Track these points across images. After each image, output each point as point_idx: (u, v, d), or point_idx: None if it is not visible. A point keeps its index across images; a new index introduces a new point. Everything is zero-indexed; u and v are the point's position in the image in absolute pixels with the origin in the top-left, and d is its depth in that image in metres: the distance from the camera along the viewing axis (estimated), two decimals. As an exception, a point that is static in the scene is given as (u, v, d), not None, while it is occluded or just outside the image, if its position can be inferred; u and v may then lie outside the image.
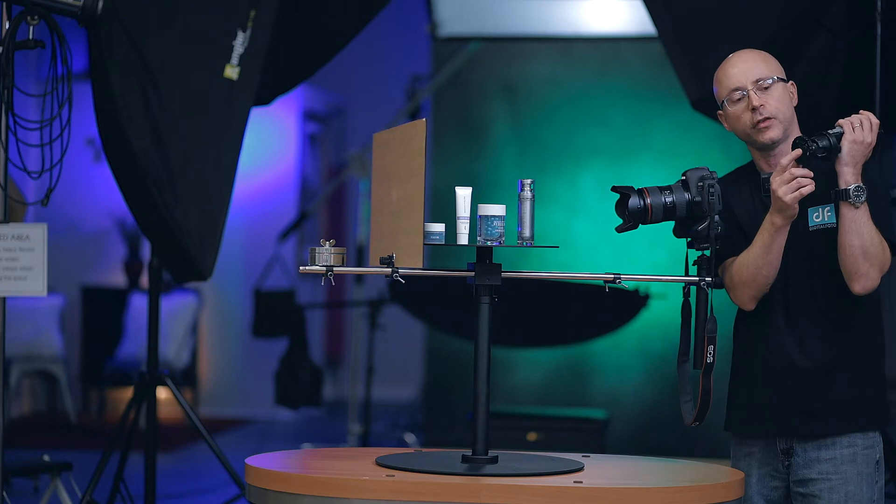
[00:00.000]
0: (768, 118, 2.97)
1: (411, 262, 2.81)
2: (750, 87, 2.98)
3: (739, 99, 2.99)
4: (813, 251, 2.97)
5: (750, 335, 3.08)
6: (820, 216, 2.96)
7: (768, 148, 3.01)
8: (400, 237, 2.88)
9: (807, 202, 2.96)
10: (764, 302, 3.02)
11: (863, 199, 2.85)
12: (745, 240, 3.03)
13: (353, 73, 10.47)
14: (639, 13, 6.80)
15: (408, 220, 2.85)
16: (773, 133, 2.98)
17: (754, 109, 2.97)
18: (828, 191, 2.93)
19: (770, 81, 2.97)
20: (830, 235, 2.93)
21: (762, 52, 3.05)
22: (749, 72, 2.99)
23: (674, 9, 4.31)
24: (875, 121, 2.88)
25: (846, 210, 2.86)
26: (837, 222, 2.90)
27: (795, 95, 3.03)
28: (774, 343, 3.02)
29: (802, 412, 2.98)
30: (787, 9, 4.22)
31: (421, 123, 2.80)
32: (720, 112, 3.07)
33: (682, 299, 3.00)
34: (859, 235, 2.87)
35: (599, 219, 6.94)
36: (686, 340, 2.98)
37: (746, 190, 3.08)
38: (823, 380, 2.97)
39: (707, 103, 4.31)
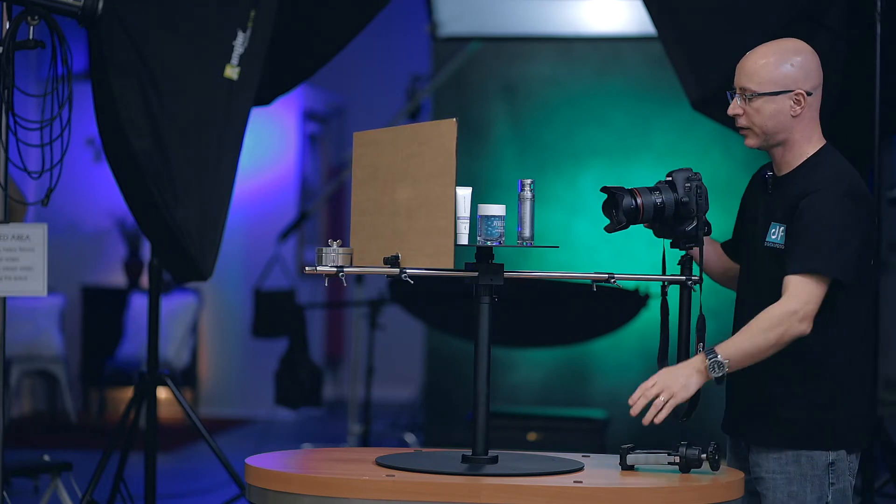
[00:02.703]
0: (742, 128, 2.99)
1: (440, 263, 2.80)
2: (737, 93, 2.98)
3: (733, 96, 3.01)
4: (763, 267, 2.97)
5: None
6: (776, 234, 2.94)
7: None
8: (412, 237, 2.87)
9: (772, 217, 2.96)
10: (736, 308, 3.09)
11: (723, 369, 2.82)
12: (742, 238, 3.09)
13: (353, 73, 10.48)
14: (639, 13, 6.80)
15: (427, 220, 2.83)
16: (749, 142, 3.00)
17: (735, 115, 2.99)
18: (790, 209, 2.92)
19: (751, 94, 2.94)
20: (779, 255, 2.91)
21: (771, 58, 2.95)
22: (741, 76, 2.97)
23: (674, 9, 4.32)
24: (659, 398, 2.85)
25: None
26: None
27: (802, 106, 2.94)
28: None
29: (750, 418, 3.02)
30: (787, 9, 4.22)
31: (450, 123, 2.80)
32: None
33: (674, 298, 3.02)
34: (754, 361, 2.87)
35: (599, 219, 6.86)
36: (665, 338, 3.01)
37: (754, 189, 3.11)
38: (766, 393, 2.98)
39: (707, 103, 4.33)
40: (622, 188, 2.95)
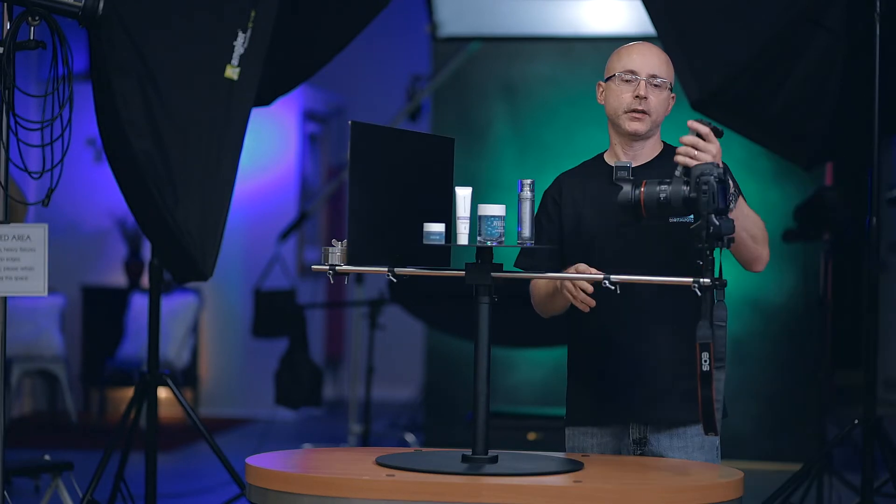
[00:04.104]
0: (644, 112, 3.10)
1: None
2: (644, 77, 3.11)
3: (629, 81, 3.13)
4: (668, 242, 3.01)
5: (591, 327, 3.17)
6: None
7: (629, 137, 3.14)
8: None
9: None
10: (607, 294, 2.91)
11: (734, 200, 2.83)
12: (589, 233, 3.11)
13: (353, 73, 10.47)
14: (639, 13, 6.80)
15: None
16: (639, 126, 3.12)
17: (638, 97, 3.09)
18: None
19: (661, 82, 3.11)
20: (687, 229, 2.81)
21: (666, 55, 3.17)
22: (650, 65, 3.12)
23: (674, 10, 4.32)
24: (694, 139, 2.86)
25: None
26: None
27: (670, 108, 3.15)
28: (622, 333, 3.10)
29: (652, 398, 3.08)
30: (786, 9, 4.23)
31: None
32: (601, 83, 3.22)
33: None
34: (744, 227, 2.96)
35: (599, 219, 6.91)
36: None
37: (594, 183, 3.18)
38: (670, 370, 3.05)
39: (707, 103, 4.33)
40: (631, 179, 2.84)
